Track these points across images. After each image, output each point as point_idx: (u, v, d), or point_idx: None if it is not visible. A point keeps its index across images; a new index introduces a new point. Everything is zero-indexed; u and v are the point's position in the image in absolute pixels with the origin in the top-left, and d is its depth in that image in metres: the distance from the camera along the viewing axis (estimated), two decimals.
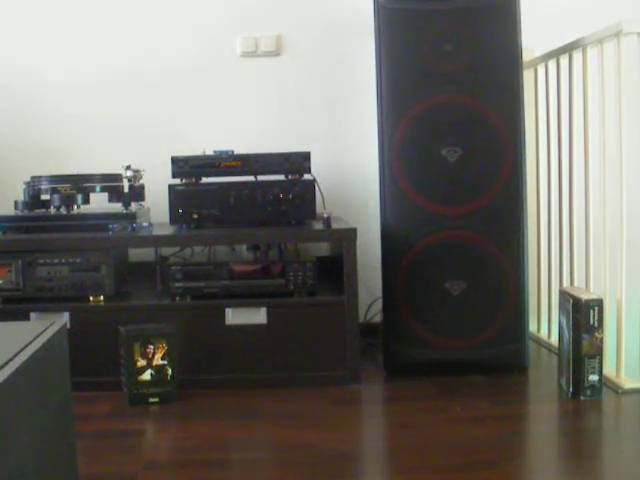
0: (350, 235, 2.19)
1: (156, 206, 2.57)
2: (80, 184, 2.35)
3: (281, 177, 2.35)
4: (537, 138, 2.60)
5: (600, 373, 1.99)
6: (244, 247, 2.54)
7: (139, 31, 2.73)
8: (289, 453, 1.70)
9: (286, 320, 2.18)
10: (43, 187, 2.37)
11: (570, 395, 2.02)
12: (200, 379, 2.18)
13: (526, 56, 2.47)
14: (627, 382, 2.05)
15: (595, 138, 2.17)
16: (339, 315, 2.18)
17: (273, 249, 2.48)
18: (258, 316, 2.18)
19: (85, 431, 1.84)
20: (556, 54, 2.39)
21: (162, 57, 2.74)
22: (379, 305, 2.40)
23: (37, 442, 1.01)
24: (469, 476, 1.55)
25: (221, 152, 2.34)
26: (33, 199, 2.40)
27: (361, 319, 2.57)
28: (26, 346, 1.03)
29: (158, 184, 2.48)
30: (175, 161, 2.32)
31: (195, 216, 2.30)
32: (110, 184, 2.38)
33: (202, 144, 2.43)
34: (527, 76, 2.49)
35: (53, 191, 2.35)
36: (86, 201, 2.37)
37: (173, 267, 2.22)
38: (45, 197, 2.40)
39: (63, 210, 2.35)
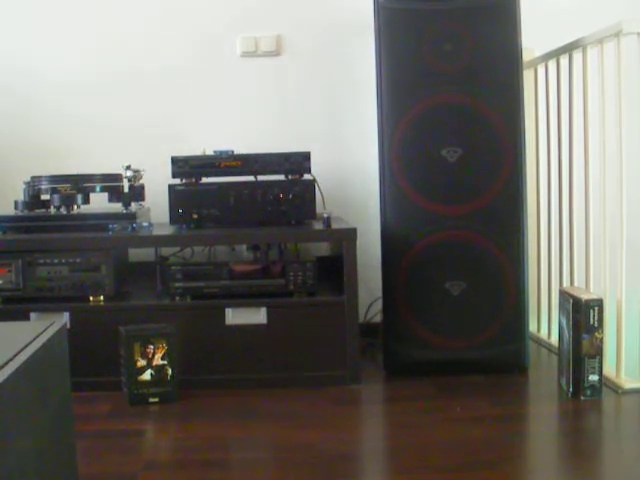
0: (350, 235, 2.19)
1: (156, 206, 2.57)
2: (80, 184, 2.35)
3: (281, 177, 2.35)
4: (537, 138, 2.60)
5: (600, 373, 1.99)
6: (244, 247, 2.54)
7: (139, 31, 2.73)
8: (289, 453, 1.70)
9: (286, 320, 2.18)
10: (43, 187, 2.37)
11: (570, 395, 2.02)
12: (200, 379, 2.18)
13: (526, 56, 2.47)
14: (627, 382, 2.05)
15: (595, 138, 2.17)
16: (339, 315, 2.18)
17: (273, 249, 2.48)
18: (258, 316, 2.18)
19: (85, 431, 1.84)
20: (556, 54, 2.39)
21: (162, 57, 2.74)
22: (379, 305, 2.40)
23: (37, 442, 1.01)
24: (469, 476, 1.55)
25: (221, 152, 2.34)
26: (33, 199, 2.40)
27: (361, 319, 2.57)
28: (26, 346, 1.03)
29: (158, 184, 2.48)
30: (175, 161, 2.32)
31: (195, 216, 2.30)
32: (110, 184, 2.38)
33: (202, 144, 2.43)
34: (527, 76, 2.49)
35: (53, 191, 2.35)
36: (86, 201, 2.37)
37: (173, 267, 2.22)
38: (45, 197, 2.40)
39: (63, 210, 2.35)
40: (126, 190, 2.39)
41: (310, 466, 1.62)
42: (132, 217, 2.32)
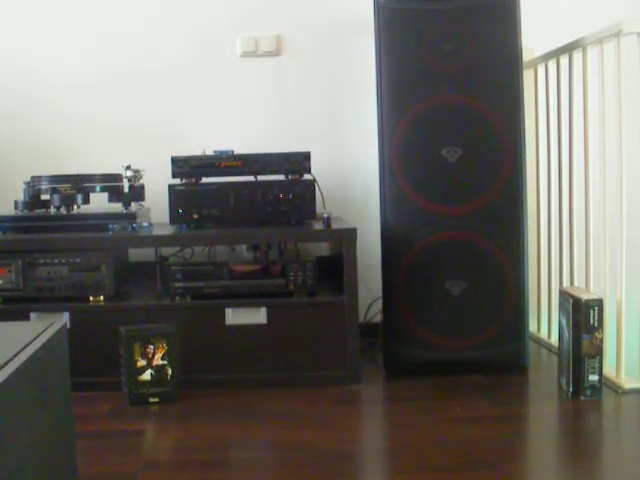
0: (350, 235, 2.19)
1: (156, 206, 2.57)
2: (80, 184, 2.35)
3: (281, 177, 2.35)
4: (537, 138, 2.60)
5: (600, 373, 1.99)
6: (244, 247, 2.54)
7: (139, 31, 2.73)
8: (289, 453, 1.70)
9: (286, 320, 2.18)
10: (43, 187, 2.37)
11: (570, 395, 2.02)
12: (200, 379, 2.18)
13: (526, 56, 2.47)
14: (627, 382, 2.05)
15: (595, 138, 2.17)
16: (339, 315, 2.18)
17: (273, 249, 2.48)
18: (258, 316, 2.18)
19: (85, 431, 1.84)
20: (556, 54, 2.39)
21: (162, 57, 2.74)
22: (379, 305, 2.40)
23: (37, 442, 1.01)
24: (469, 476, 1.55)
25: (221, 152, 2.34)
26: (33, 199, 2.40)
27: (361, 319, 2.57)
28: (26, 346, 1.03)
29: (158, 184, 2.48)
30: (175, 161, 2.32)
31: (195, 216, 2.30)
32: (110, 184, 2.38)
33: (202, 144, 2.43)
34: (527, 76, 2.49)
35: (53, 191, 2.35)
36: (86, 201, 2.37)
37: (173, 267, 2.22)
38: (45, 197, 2.40)
39: (63, 210, 2.35)
40: (126, 190, 2.39)
41: (310, 466, 1.62)
42: (132, 217, 2.32)
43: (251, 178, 2.42)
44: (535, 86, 2.61)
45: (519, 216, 2.21)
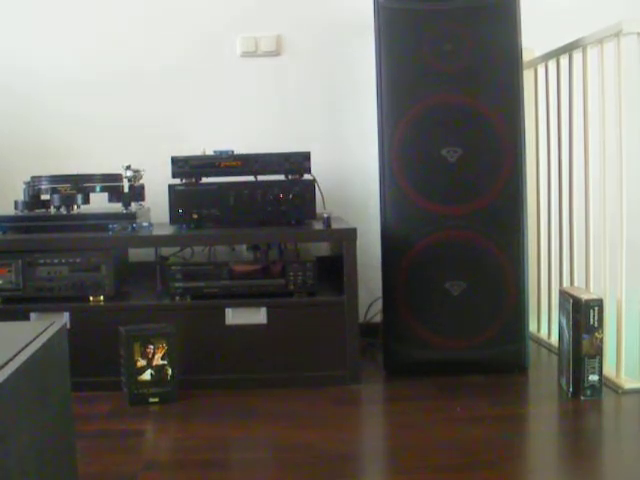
0: (350, 235, 2.19)
1: (156, 206, 2.57)
2: (80, 184, 2.35)
3: (281, 177, 2.35)
4: (537, 138, 2.60)
5: (600, 373, 1.99)
6: (244, 247, 2.54)
7: (139, 31, 2.73)
8: (289, 453, 1.70)
9: (286, 320, 2.18)
10: (43, 187, 2.37)
11: (570, 395, 2.02)
12: (200, 379, 2.18)
13: (526, 56, 2.47)
14: (627, 382, 2.05)
15: (595, 138, 2.17)
16: (339, 315, 2.18)
17: (273, 249, 2.48)
18: (258, 316, 2.18)
19: (85, 431, 1.84)
20: (556, 54, 2.39)
21: (162, 57, 2.74)
22: (379, 305, 2.40)
23: (37, 442, 1.01)
24: (469, 476, 1.55)
25: (221, 152, 2.34)
26: (33, 199, 2.40)
27: (361, 319, 2.57)
28: (26, 346, 1.03)
29: (158, 184, 2.48)
30: (175, 161, 2.32)
31: (195, 216, 2.30)
32: (110, 184, 2.38)
33: (202, 144, 2.43)
34: (527, 76, 2.49)
35: (53, 191, 2.35)
36: (86, 201, 2.37)
37: (173, 267, 2.22)
38: (45, 197, 2.40)
39: (63, 210, 2.35)
40: (126, 190, 2.39)
41: (310, 466, 1.62)
42: (132, 217, 2.32)
43: (251, 178, 2.42)
44: (535, 86, 2.61)
45: (519, 216, 2.21)
